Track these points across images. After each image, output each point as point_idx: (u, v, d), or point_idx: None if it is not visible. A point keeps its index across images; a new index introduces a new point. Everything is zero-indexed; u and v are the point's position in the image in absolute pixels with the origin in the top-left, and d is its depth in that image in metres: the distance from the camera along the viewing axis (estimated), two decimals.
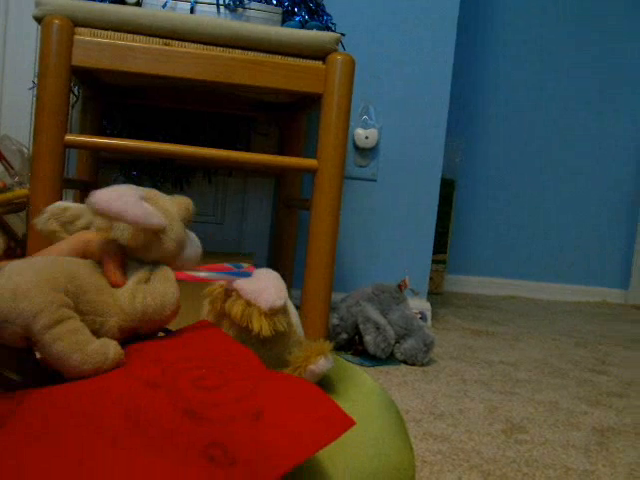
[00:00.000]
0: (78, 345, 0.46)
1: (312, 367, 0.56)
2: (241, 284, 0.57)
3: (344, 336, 1.22)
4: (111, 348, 0.49)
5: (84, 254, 0.54)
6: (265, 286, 0.56)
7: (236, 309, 0.56)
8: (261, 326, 0.54)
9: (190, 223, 0.59)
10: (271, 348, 0.57)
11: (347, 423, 0.44)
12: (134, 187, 0.54)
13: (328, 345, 0.58)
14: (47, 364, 0.47)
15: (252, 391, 0.45)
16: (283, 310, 0.57)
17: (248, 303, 0.56)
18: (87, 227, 0.57)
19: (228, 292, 0.58)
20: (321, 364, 0.56)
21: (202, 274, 0.59)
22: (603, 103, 2.39)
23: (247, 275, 0.59)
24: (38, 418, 0.41)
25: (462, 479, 0.71)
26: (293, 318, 0.61)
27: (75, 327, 0.46)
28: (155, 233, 0.53)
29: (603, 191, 2.43)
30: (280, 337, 0.57)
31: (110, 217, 0.50)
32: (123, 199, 0.51)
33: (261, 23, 1.09)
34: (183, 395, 0.44)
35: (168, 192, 0.59)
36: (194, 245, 0.59)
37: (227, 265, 0.62)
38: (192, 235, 0.60)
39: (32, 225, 1.00)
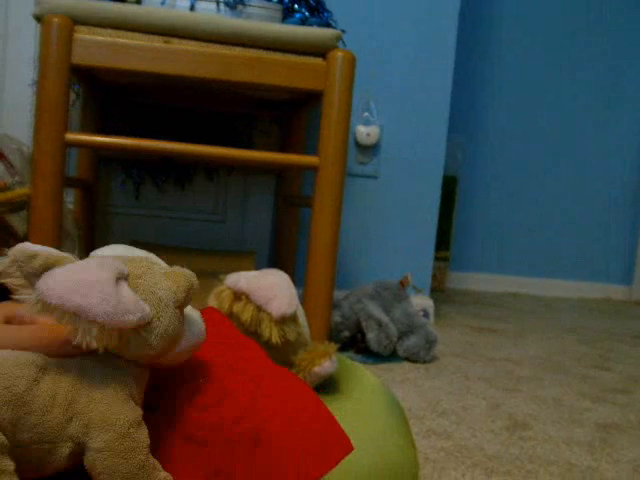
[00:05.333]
0: None
1: (316, 369, 0.56)
2: (252, 288, 0.56)
3: (346, 334, 1.22)
4: None
5: (47, 351, 0.42)
6: (276, 293, 0.55)
7: (246, 314, 0.55)
8: (271, 334, 0.54)
9: (188, 303, 0.44)
10: (278, 351, 0.57)
11: (346, 448, 0.44)
12: (113, 260, 0.41)
13: (333, 347, 0.58)
14: None
15: (252, 407, 0.45)
16: (293, 318, 0.56)
17: (258, 308, 0.55)
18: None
19: (237, 294, 0.57)
20: (325, 366, 0.56)
21: None
22: (607, 100, 2.38)
23: None
24: None
25: (465, 476, 0.71)
26: (301, 318, 0.61)
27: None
28: (135, 329, 0.40)
29: (606, 187, 2.42)
30: (288, 343, 0.57)
31: (65, 315, 0.37)
32: (84, 289, 0.37)
33: (261, 20, 1.08)
34: (182, 419, 0.43)
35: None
36: (194, 333, 0.45)
37: None
38: (194, 317, 0.46)
39: (32, 225, 1.00)
